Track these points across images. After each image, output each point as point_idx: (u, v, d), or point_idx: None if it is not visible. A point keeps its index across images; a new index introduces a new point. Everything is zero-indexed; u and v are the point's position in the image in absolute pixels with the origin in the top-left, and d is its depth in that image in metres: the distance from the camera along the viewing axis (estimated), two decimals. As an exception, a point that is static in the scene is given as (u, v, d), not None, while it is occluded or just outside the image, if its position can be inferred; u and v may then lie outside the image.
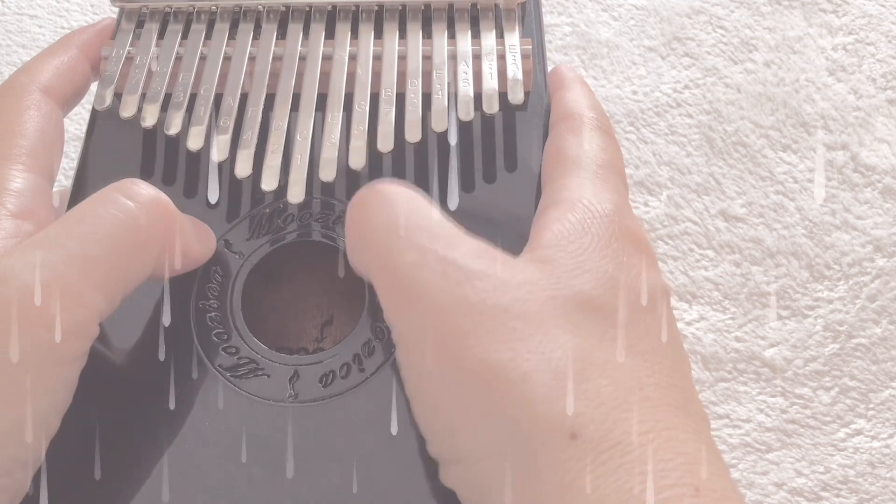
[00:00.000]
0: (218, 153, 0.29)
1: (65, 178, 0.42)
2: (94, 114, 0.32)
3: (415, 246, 0.24)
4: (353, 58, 0.31)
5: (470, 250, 0.24)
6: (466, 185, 0.30)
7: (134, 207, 0.25)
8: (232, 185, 0.30)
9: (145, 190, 0.26)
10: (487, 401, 0.22)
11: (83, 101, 0.33)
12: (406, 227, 0.24)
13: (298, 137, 0.30)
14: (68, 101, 0.31)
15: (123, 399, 0.27)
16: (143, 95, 0.31)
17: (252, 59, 0.32)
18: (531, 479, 0.21)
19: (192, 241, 0.28)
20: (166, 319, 0.28)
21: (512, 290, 0.23)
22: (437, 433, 0.24)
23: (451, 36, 0.32)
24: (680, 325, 0.43)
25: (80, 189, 0.31)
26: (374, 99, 0.30)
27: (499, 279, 0.23)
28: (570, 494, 0.21)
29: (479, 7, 0.33)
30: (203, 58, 0.32)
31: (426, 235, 0.24)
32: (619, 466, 0.21)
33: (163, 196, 0.26)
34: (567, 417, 0.21)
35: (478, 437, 0.22)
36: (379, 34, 0.32)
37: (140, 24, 0.33)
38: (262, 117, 0.30)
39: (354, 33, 0.32)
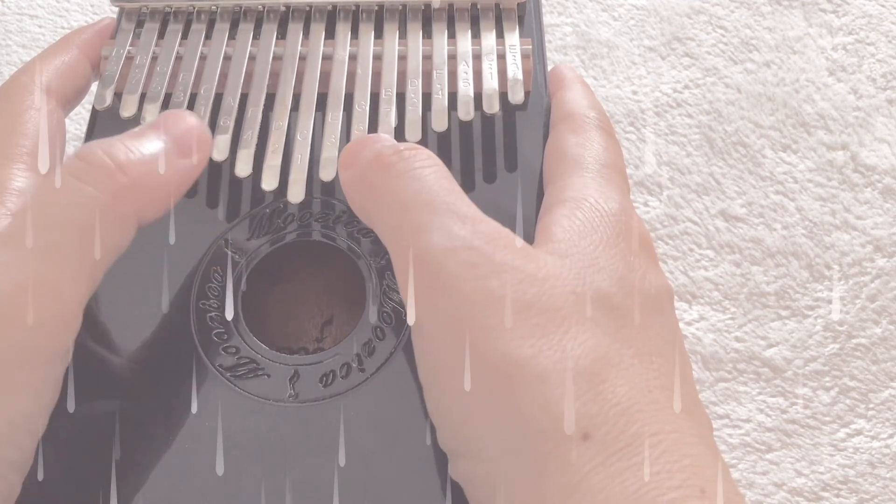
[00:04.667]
0: (218, 153, 0.29)
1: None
2: (95, 113, 0.32)
3: (444, 230, 0.23)
4: (353, 58, 0.31)
5: (497, 239, 0.24)
6: (467, 185, 0.30)
7: (90, 191, 0.24)
8: (232, 184, 0.30)
9: (96, 163, 0.24)
10: (505, 396, 0.22)
11: (83, 100, 0.33)
12: (435, 206, 0.24)
13: (299, 137, 0.30)
14: (69, 101, 0.31)
15: (124, 399, 0.27)
16: (144, 95, 0.31)
17: (252, 58, 0.32)
18: (540, 479, 0.21)
19: (172, 176, 0.25)
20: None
21: (537, 284, 0.23)
22: (449, 423, 0.24)
23: (451, 36, 0.32)
24: (680, 324, 0.43)
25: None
26: (375, 99, 0.30)
27: (524, 273, 0.23)
28: (576, 495, 0.21)
29: (479, 7, 0.33)
30: (203, 57, 0.32)
31: (455, 218, 0.24)
32: (626, 468, 0.21)
33: (115, 159, 0.24)
34: (582, 418, 0.21)
35: (491, 433, 0.22)
36: (379, 34, 0.32)
37: (140, 24, 0.33)
38: (263, 117, 0.30)
39: (354, 33, 0.32)
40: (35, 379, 0.23)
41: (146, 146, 0.25)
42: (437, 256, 0.23)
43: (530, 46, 0.32)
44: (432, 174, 0.25)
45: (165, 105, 0.31)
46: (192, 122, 0.26)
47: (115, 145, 0.24)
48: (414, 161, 0.25)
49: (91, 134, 0.32)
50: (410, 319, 0.24)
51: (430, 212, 0.24)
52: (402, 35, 0.32)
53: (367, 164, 0.25)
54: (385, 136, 0.26)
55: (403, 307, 0.26)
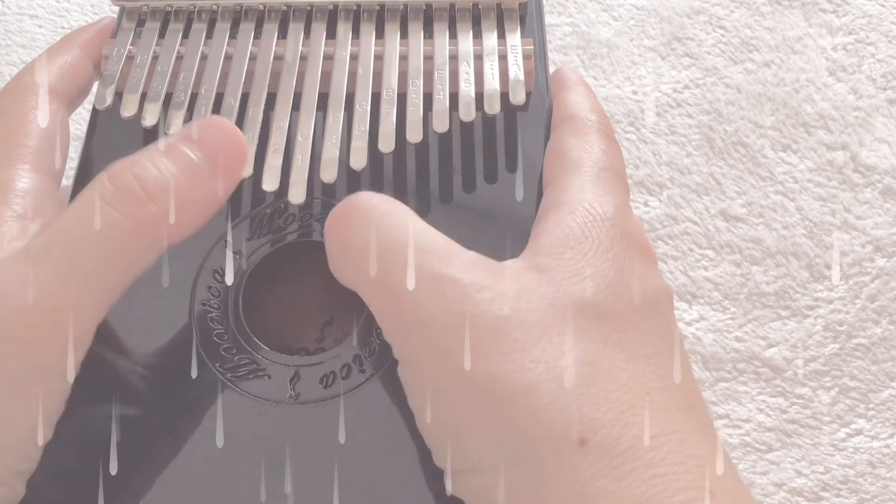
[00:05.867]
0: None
1: (65, 178, 0.42)
2: (95, 113, 0.32)
3: (408, 268, 0.23)
4: (354, 58, 0.31)
5: (463, 263, 0.24)
6: (468, 186, 0.30)
7: (117, 217, 0.23)
8: None
9: (126, 189, 0.24)
10: (494, 412, 0.22)
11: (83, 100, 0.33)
12: (394, 245, 0.24)
13: (300, 137, 0.29)
14: (72, 101, 0.31)
15: (124, 400, 0.27)
16: (144, 95, 0.31)
17: (253, 58, 0.32)
18: (541, 488, 0.21)
19: (205, 198, 0.25)
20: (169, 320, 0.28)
21: (510, 300, 0.23)
22: (443, 445, 0.24)
23: (453, 36, 0.32)
24: (680, 324, 0.43)
25: (81, 189, 0.31)
26: (376, 99, 0.30)
27: (496, 290, 0.23)
28: (582, 500, 0.21)
29: (480, 7, 0.32)
30: (204, 57, 0.32)
31: (417, 252, 0.24)
32: (631, 471, 0.21)
33: (146, 186, 0.24)
34: (576, 424, 0.21)
35: (486, 448, 0.22)
36: (380, 34, 0.32)
37: (141, 23, 0.33)
38: (263, 117, 0.30)
39: (356, 33, 0.32)
40: (44, 393, 0.24)
41: (180, 165, 0.24)
42: (408, 295, 0.23)
43: (532, 47, 0.31)
44: (385, 212, 0.25)
45: (166, 105, 0.31)
46: (227, 133, 0.26)
47: (148, 169, 0.24)
48: (365, 208, 0.25)
49: (92, 134, 0.32)
50: (394, 352, 0.25)
51: (391, 252, 0.24)
52: (404, 35, 0.32)
53: (328, 224, 0.25)
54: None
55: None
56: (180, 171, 0.24)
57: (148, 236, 0.24)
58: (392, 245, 0.24)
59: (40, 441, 0.24)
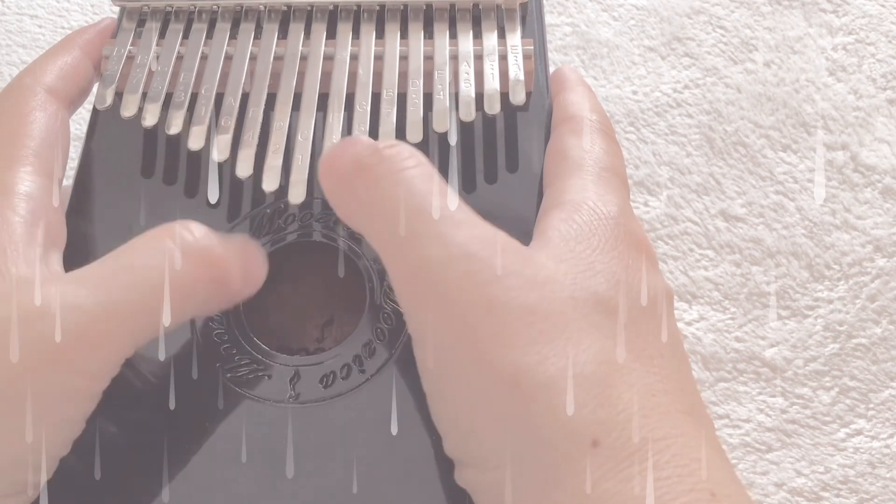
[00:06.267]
0: (219, 153, 0.29)
1: (65, 179, 0.42)
2: (95, 113, 0.32)
3: (438, 238, 0.23)
4: (354, 58, 0.31)
5: (493, 243, 0.23)
6: (468, 186, 0.30)
7: (185, 265, 0.24)
8: (233, 185, 0.30)
9: (198, 243, 0.24)
10: (512, 405, 0.22)
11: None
12: (426, 212, 0.23)
13: (300, 138, 0.29)
14: (73, 102, 0.31)
15: (124, 399, 0.27)
16: (144, 95, 0.31)
17: (253, 58, 0.32)
18: (550, 487, 0.21)
19: (237, 286, 0.26)
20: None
21: (537, 288, 0.23)
22: (455, 433, 0.24)
23: (453, 36, 0.32)
24: (680, 325, 0.43)
25: (81, 189, 0.31)
26: (376, 99, 0.30)
27: (524, 277, 0.23)
28: (589, 502, 0.21)
29: (480, 7, 0.33)
30: (204, 57, 0.32)
31: (449, 224, 0.23)
32: (637, 473, 0.21)
33: (215, 251, 0.25)
34: (591, 425, 0.21)
35: (499, 442, 0.22)
36: (380, 34, 0.32)
37: (141, 24, 0.33)
38: (263, 117, 0.30)
39: (356, 33, 0.32)
40: (70, 413, 0.24)
41: (247, 250, 0.26)
42: (435, 267, 0.23)
43: (532, 47, 0.31)
44: (418, 175, 0.24)
45: (166, 105, 0.31)
46: (260, 261, 0.27)
47: (222, 238, 0.25)
48: (395, 162, 0.24)
49: (92, 134, 0.32)
50: (409, 327, 0.24)
51: (421, 219, 0.23)
52: (404, 35, 0.32)
53: (345, 171, 0.24)
54: (362, 137, 0.25)
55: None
56: (248, 254, 0.26)
57: (204, 290, 0.25)
58: (419, 210, 0.23)
59: (58, 456, 0.25)
